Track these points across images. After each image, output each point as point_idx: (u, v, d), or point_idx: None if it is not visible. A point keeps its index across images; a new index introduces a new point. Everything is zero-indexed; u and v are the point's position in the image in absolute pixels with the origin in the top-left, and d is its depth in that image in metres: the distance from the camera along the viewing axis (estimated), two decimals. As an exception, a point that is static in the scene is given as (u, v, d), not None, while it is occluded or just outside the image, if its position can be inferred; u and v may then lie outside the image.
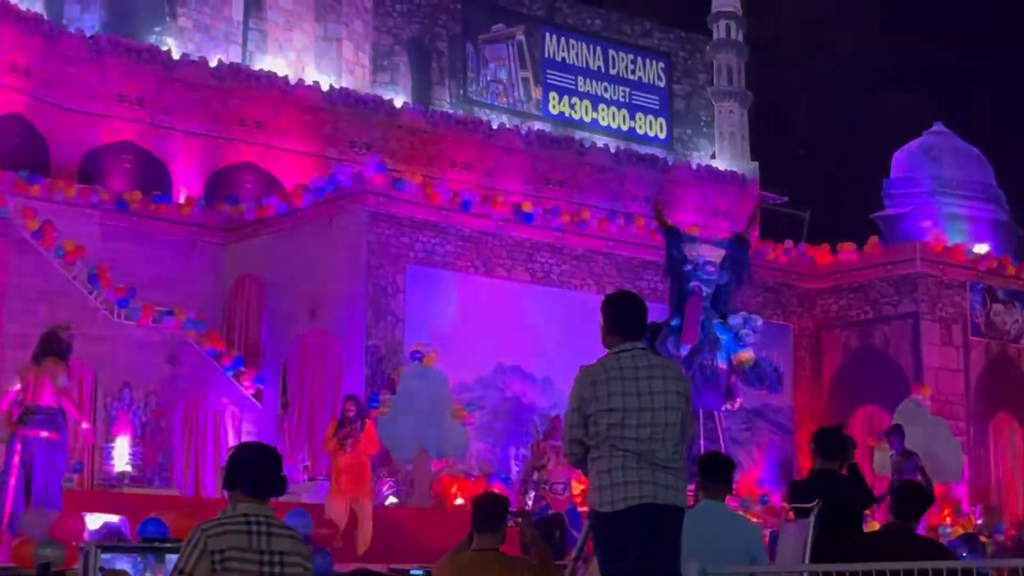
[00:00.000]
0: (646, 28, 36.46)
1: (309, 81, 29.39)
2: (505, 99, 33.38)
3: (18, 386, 13.43)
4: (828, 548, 6.79)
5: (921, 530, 8.14)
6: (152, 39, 28.03)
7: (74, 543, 10.91)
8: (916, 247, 27.83)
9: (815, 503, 6.91)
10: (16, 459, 12.78)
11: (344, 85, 30.09)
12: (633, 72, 35.46)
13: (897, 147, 33.41)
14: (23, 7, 25.55)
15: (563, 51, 34.35)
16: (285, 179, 27.76)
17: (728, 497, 7.66)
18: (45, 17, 26.21)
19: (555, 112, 33.95)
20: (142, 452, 22.28)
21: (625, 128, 34.98)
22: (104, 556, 5.72)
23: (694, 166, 34.86)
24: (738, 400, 18.76)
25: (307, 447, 22.66)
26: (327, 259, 23.37)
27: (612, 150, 33.47)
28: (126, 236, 24.25)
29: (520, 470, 19.25)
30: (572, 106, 34.25)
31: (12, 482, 12.74)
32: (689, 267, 16.30)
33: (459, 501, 21.88)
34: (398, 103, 30.70)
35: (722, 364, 17.13)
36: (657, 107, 35.72)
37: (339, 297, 23.01)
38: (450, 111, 31.77)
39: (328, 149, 29.11)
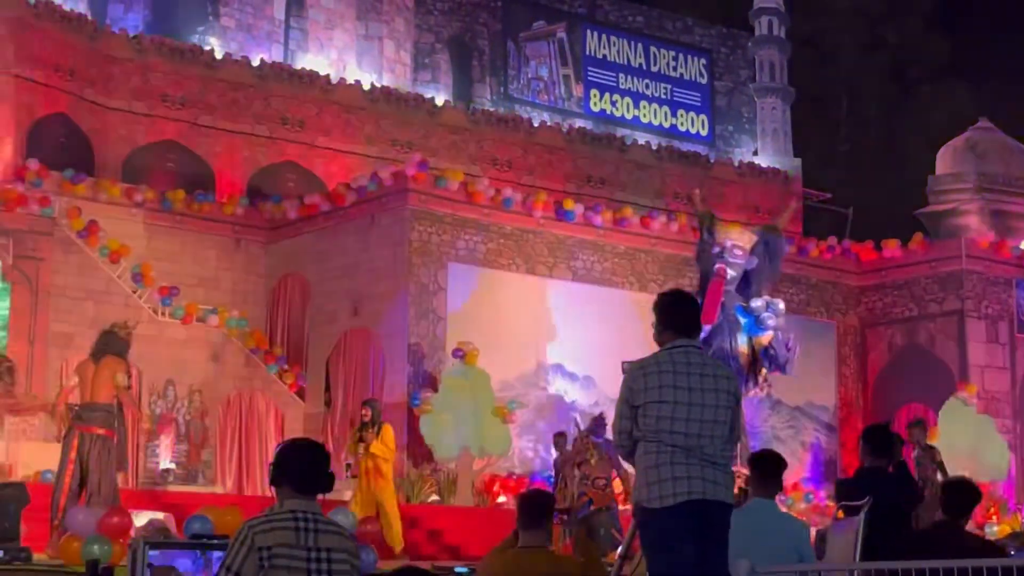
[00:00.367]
0: (687, 24, 36.34)
1: (351, 80, 29.46)
2: (546, 97, 33.34)
3: (74, 383, 13.51)
4: (877, 546, 6.72)
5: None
6: (195, 39, 28.19)
7: (121, 540, 10.99)
8: (961, 244, 27.59)
9: (865, 501, 6.85)
10: (72, 455, 12.86)
11: (385, 83, 30.15)
12: (675, 69, 35.34)
13: (942, 143, 33.14)
14: (67, 7, 25.74)
15: (604, 48, 34.27)
16: (327, 178, 27.86)
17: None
18: (89, 17, 26.40)
19: (596, 109, 33.88)
20: (186, 450, 22.41)
21: (667, 125, 34.87)
22: (152, 553, 5.73)
23: (736, 163, 34.70)
24: (761, 388, 18.15)
25: (350, 443, 22.67)
26: (369, 257, 23.42)
27: (654, 147, 33.37)
28: (170, 235, 24.40)
29: (554, 462, 19.15)
30: (613, 103, 34.17)
31: (67, 478, 12.82)
32: (717, 249, 16.00)
33: (501, 499, 21.89)
34: (439, 101, 30.73)
35: (743, 348, 16.72)
36: (699, 104, 35.59)
37: (381, 295, 23.05)
38: (491, 109, 31.77)
39: (369, 148, 29.18)
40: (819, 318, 27.95)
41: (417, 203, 23.02)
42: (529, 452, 23.09)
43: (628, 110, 34.37)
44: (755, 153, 35.64)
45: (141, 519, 11.95)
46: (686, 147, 34.31)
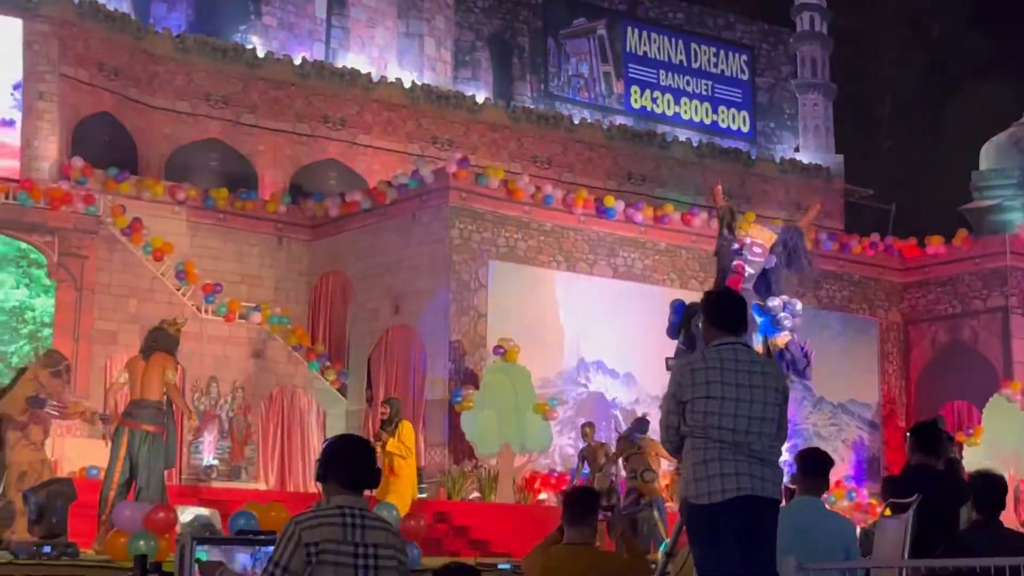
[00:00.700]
0: (728, 21, 36.21)
1: (392, 78, 29.53)
2: (587, 94, 33.31)
3: (124, 379, 13.59)
4: (925, 544, 6.68)
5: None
6: (237, 38, 28.34)
7: (166, 535, 11.06)
8: (1006, 240, 27.37)
9: (914, 498, 6.80)
10: (122, 451, 12.94)
11: (426, 81, 30.21)
12: (715, 65, 35.22)
13: (985, 139, 32.89)
14: (111, 7, 25.93)
15: (645, 45, 34.19)
16: (368, 175, 27.94)
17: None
18: (133, 17, 26.58)
19: (637, 106, 33.81)
20: (229, 446, 22.53)
21: (708, 122, 34.76)
22: (201, 548, 5.75)
23: (778, 160, 34.56)
24: None
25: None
26: (410, 255, 23.47)
27: (694, 144, 33.28)
28: (213, 233, 24.55)
29: (580, 452, 19.09)
30: (654, 100, 34.09)
31: (116, 474, 12.90)
32: (736, 246, 15.82)
33: (542, 496, 21.90)
34: (480, 99, 30.75)
35: (758, 348, 16.52)
36: (740, 100, 35.46)
37: (422, 292, 23.10)
38: (531, 106, 31.77)
39: (410, 145, 29.24)
40: (862, 315, 27.82)
41: (458, 200, 23.05)
42: (570, 449, 23.06)
43: (669, 107, 34.28)
44: (797, 150, 35.47)
45: (186, 515, 12.02)
46: (727, 143, 34.19)
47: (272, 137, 27.77)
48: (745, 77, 35.72)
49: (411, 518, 12.75)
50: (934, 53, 44.67)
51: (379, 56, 30.31)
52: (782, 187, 33.87)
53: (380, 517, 5.40)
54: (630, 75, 33.87)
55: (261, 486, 21.67)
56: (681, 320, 15.41)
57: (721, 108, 35.10)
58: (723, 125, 34.99)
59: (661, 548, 11.58)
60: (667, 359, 14.71)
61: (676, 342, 15.42)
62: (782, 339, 15.90)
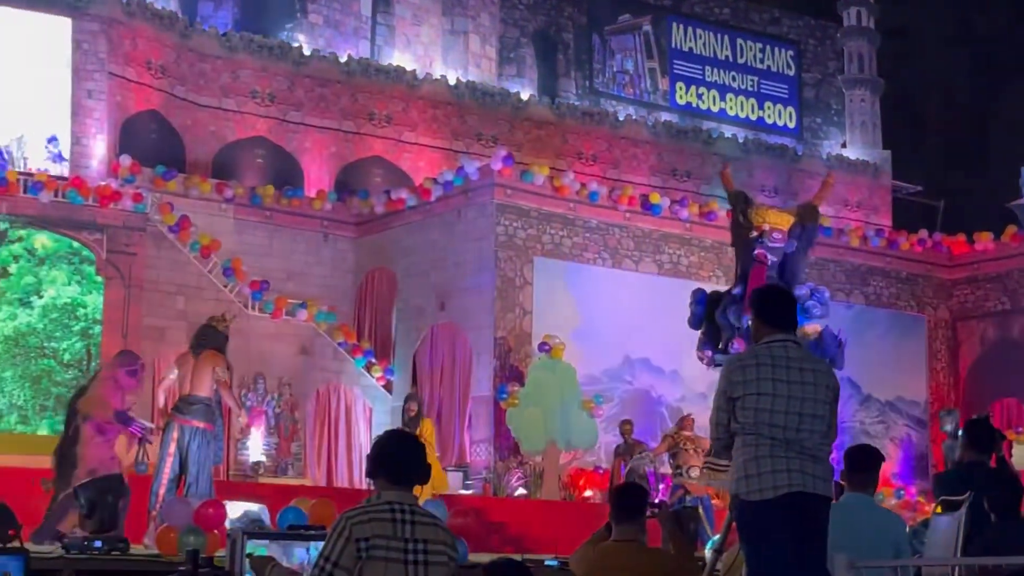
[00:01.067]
0: (775, 16, 36.00)
1: (436, 75, 29.59)
2: (632, 90, 33.23)
3: (174, 376, 13.68)
4: (977, 542, 6.63)
5: None
6: (283, 35, 28.48)
7: (216, 531, 11.13)
8: (1056, 236, 27.13)
9: (966, 495, 6.75)
10: (172, 447, 13.03)
11: (471, 78, 30.24)
12: (762, 61, 35.04)
13: (1035, 134, 32.55)
14: (158, 5, 26.13)
15: (690, 41, 34.07)
16: (413, 172, 28.00)
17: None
18: (180, 15, 26.77)
19: (682, 102, 33.70)
20: (276, 443, 22.66)
21: (754, 118, 34.59)
22: (255, 542, 5.81)
23: (824, 156, 34.35)
24: None
25: (437, 437, 22.78)
26: (456, 251, 23.51)
27: (740, 140, 33.13)
28: (259, 230, 24.69)
29: (616, 448, 19.05)
30: (700, 96, 33.97)
31: (166, 470, 13.00)
32: (755, 234, 15.50)
33: (588, 493, 21.89)
34: (524, 95, 30.75)
35: None
36: (786, 96, 35.26)
37: (467, 289, 23.13)
38: (576, 103, 31.73)
39: (455, 142, 29.28)
40: (910, 312, 27.64)
41: (503, 197, 23.07)
42: (616, 446, 23.02)
43: (714, 103, 34.14)
44: (844, 145, 35.25)
45: (235, 510, 12.08)
46: (773, 140, 34.02)
47: (318, 134, 27.89)
48: (791, 73, 35.51)
49: (457, 515, 12.77)
50: (982, 47, 44.24)
51: (424, 53, 30.37)
52: (829, 183, 33.61)
53: (430, 513, 5.42)
54: (675, 71, 33.75)
55: (307, 482, 21.77)
56: (704, 311, 15.31)
57: (767, 104, 34.92)
58: (769, 121, 34.81)
59: (708, 545, 11.55)
60: (698, 354, 14.67)
61: (699, 332, 15.35)
62: (812, 328, 15.67)
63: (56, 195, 21.90)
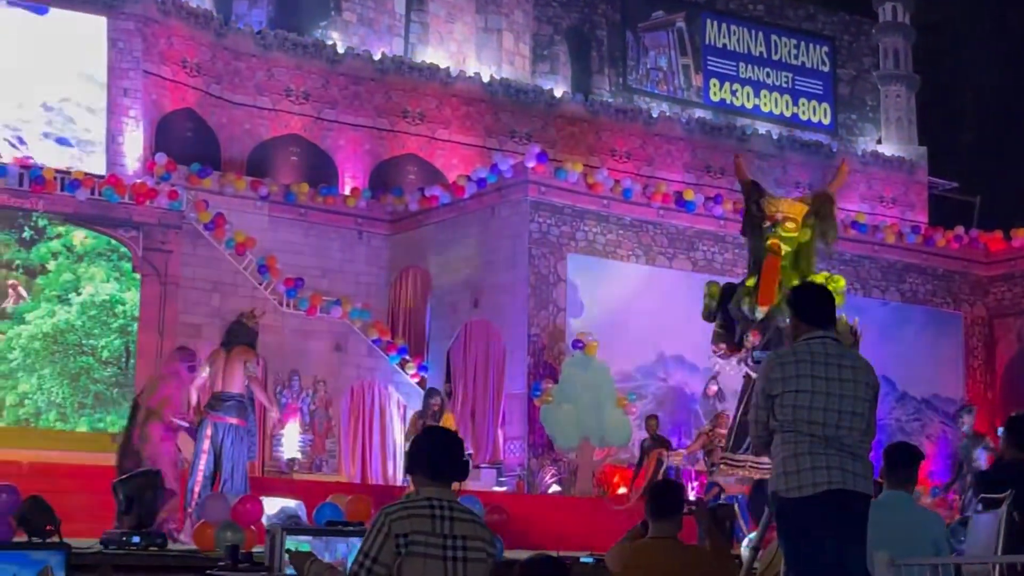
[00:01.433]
0: (809, 12, 35.84)
1: (470, 72, 29.61)
2: (665, 87, 33.15)
3: (206, 373, 13.76)
4: (1018, 539, 6.59)
5: None
6: (317, 34, 28.58)
7: (252, 526, 11.19)
8: (1094, 232, 26.91)
9: (1007, 493, 6.70)
10: (206, 444, 13.11)
11: (504, 76, 30.25)
12: (796, 57, 34.89)
13: (1073, 129, 32.28)
14: (193, 4, 26.26)
15: (724, 37, 33.96)
16: (447, 170, 28.05)
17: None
18: (215, 14, 26.90)
19: (716, 99, 33.59)
20: (310, 439, 22.73)
21: (788, 114, 34.44)
22: (298, 539, 5.84)
23: (860, 152, 34.17)
24: None
25: (470, 435, 22.84)
26: (489, 249, 23.52)
27: (775, 137, 33.01)
28: (294, 227, 24.78)
29: (641, 443, 19.00)
30: (734, 93, 33.85)
31: (201, 467, 13.07)
32: (768, 224, 15.25)
33: (621, 490, 21.84)
34: (558, 92, 30.74)
35: None
36: (821, 92, 35.09)
37: (501, 286, 23.13)
38: (610, 100, 31.69)
39: (489, 139, 29.31)
40: (946, 309, 27.47)
41: (536, 194, 23.06)
42: (641, 441, 23.01)
43: (748, 99, 34.02)
44: (879, 142, 35.06)
45: (272, 506, 12.15)
46: (808, 136, 33.88)
47: (352, 132, 27.96)
48: (826, 69, 35.35)
49: (492, 511, 12.79)
50: (1018, 42, 43.89)
51: (458, 51, 30.40)
52: (864, 180, 33.50)
53: (469, 509, 5.42)
54: (709, 68, 33.66)
55: (342, 479, 21.84)
56: (718, 303, 15.22)
57: (802, 100, 34.77)
58: (804, 118, 34.66)
59: (744, 543, 11.51)
60: (712, 347, 14.60)
61: (713, 325, 15.28)
62: None
63: (92, 193, 22.04)
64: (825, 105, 35.09)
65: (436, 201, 24.78)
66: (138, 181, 22.77)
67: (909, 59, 35.18)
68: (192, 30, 26.09)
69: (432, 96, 28.82)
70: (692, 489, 18.54)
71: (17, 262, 21.61)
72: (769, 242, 14.84)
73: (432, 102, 28.80)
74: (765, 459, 14.69)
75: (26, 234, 21.65)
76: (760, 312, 14.89)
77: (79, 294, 21.84)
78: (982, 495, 7.12)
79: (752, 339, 14.99)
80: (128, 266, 22.22)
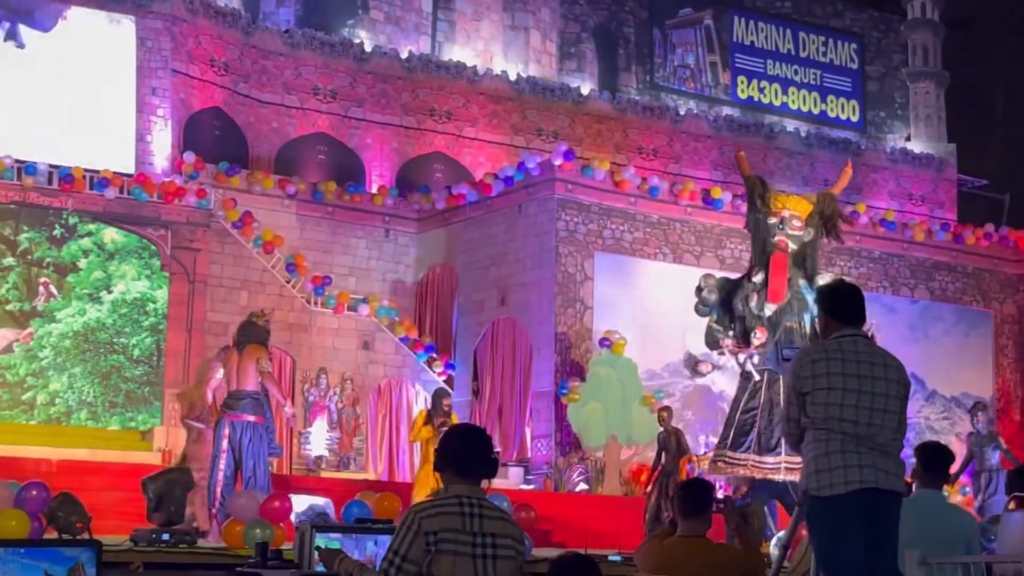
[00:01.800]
0: (838, 9, 35.69)
1: (497, 70, 29.61)
2: (693, 84, 33.08)
3: (221, 372, 13.81)
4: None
5: None
6: (345, 32, 28.63)
7: (280, 524, 11.22)
8: (1125, 229, 26.72)
9: (1041, 492, 6.67)
10: (225, 443, 13.16)
11: (531, 74, 30.24)
12: (824, 54, 34.75)
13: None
14: (221, 3, 26.34)
15: (752, 34, 33.85)
16: (474, 168, 28.06)
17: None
18: (242, 13, 26.98)
19: (744, 97, 33.49)
20: (338, 437, 22.77)
21: (816, 111, 34.32)
22: (328, 536, 5.86)
23: (888, 149, 34.02)
24: None
25: (498, 433, 22.85)
26: (516, 247, 23.51)
27: (803, 134, 32.89)
28: (321, 226, 24.83)
29: (657, 436, 18.89)
30: (761, 90, 33.74)
31: (221, 466, 13.12)
32: (774, 220, 15.14)
33: (649, 489, 21.78)
34: (585, 90, 30.70)
35: (808, 327, 15.77)
36: (849, 89, 34.95)
37: (528, 284, 23.12)
38: (637, 97, 31.64)
39: (516, 138, 29.31)
40: (976, 307, 27.31)
41: (563, 192, 23.04)
42: (657, 434, 22.94)
43: (776, 97, 33.91)
44: (908, 139, 34.89)
45: (300, 504, 12.17)
46: (836, 134, 33.74)
47: (379, 130, 28.01)
48: (855, 66, 35.19)
49: (520, 509, 12.78)
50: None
51: (484, 49, 30.41)
52: (893, 177, 33.35)
53: (498, 507, 5.41)
54: (737, 65, 33.56)
55: (369, 476, 21.87)
56: (719, 297, 15.15)
57: (830, 98, 34.63)
58: (832, 115, 34.52)
59: (772, 542, 11.48)
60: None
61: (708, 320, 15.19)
62: None
63: (121, 191, 22.14)
64: (854, 102, 34.94)
65: (463, 199, 24.79)
66: (166, 180, 22.85)
67: (938, 55, 34.99)
68: (220, 29, 26.17)
69: (459, 94, 28.83)
70: (719, 488, 18.48)
71: (48, 260, 21.71)
72: (777, 239, 14.85)
73: (459, 100, 28.82)
74: (768, 459, 14.66)
75: (57, 232, 21.75)
76: (769, 309, 14.87)
77: (110, 292, 21.92)
78: (1015, 493, 7.09)
79: (760, 336, 14.94)
80: (159, 263, 22.30)
